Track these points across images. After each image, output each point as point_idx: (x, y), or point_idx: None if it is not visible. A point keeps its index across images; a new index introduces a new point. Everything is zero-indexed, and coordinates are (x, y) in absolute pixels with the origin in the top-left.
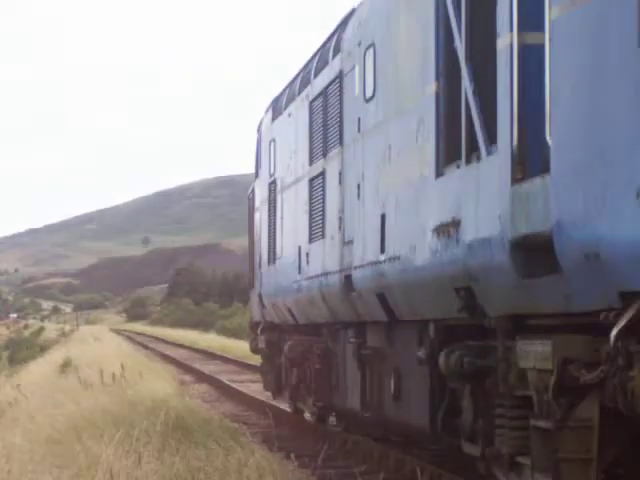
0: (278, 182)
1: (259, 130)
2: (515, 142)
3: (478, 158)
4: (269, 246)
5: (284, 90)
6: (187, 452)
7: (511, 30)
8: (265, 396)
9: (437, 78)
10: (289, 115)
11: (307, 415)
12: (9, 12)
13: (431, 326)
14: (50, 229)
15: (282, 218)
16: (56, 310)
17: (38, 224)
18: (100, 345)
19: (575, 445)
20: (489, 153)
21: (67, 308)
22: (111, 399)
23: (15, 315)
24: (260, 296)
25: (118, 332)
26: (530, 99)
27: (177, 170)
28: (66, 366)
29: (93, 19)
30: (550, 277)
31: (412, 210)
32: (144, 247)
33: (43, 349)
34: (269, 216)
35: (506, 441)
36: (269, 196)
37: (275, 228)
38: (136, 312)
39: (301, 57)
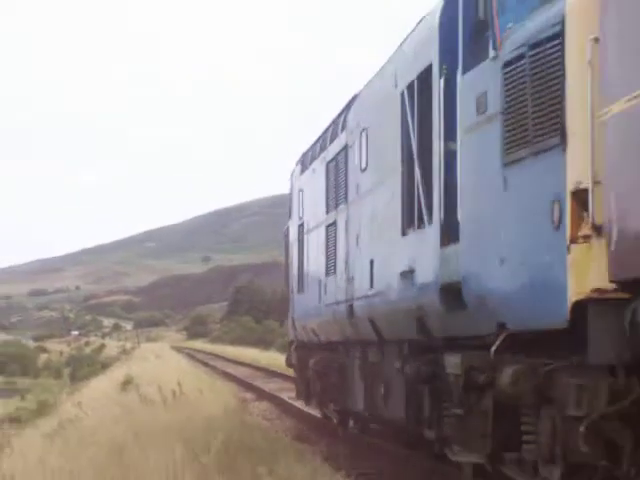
0: (305, 225)
1: (291, 179)
2: (442, 218)
3: (424, 226)
4: (299, 277)
5: (309, 149)
6: (249, 469)
7: (439, 139)
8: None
9: (402, 163)
10: (313, 171)
11: (334, 420)
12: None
13: (405, 344)
14: (111, 247)
15: (308, 255)
16: (117, 327)
17: (99, 242)
18: (161, 362)
19: (478, 426)
20: (429, 224)
21: (128, 325)
22: (172, 416)
23: (76, 332)
24: (293, 319)
25: (179, 350)
26: (450, 188)
27: (235, 188)
28: (127, 383)
29: (162, 32)
30: (461, 312)
31: (389, 258)
32: (204, 265)
33: (104, 366)
34: (299, 252)
35: (446, 426)
36: (298, 236)
37: (303, 263)
38: (196, 330)
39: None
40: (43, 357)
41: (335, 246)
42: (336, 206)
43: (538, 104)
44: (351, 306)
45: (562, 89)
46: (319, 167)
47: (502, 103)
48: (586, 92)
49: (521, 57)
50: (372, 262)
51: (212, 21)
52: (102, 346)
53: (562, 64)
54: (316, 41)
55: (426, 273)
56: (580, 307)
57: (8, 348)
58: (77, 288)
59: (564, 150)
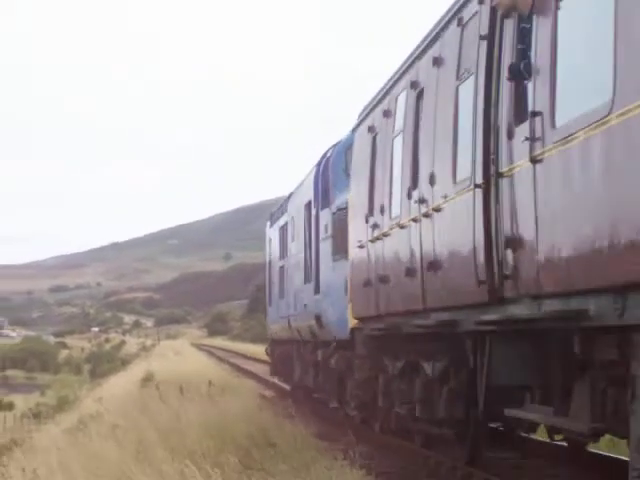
0: (272, 262)
1: (266, 229)
2: (314, 280)
3: (310, 282)
4: (269, 295)
5: (274, 212)
6: (270, 467)
7: (313, 240)
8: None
9: (304, 246)
10: (274, 229)
11: (288, 388)
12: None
13: (310, 343)
14: (132, 243)
15: (272, 281)
16: (137, 324)
17: (121, 238)
18: (181, 360)
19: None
20: (311, 281)
21: (148, 322)
22: (193, 413)
23: (97, 329)
24: (268, 323)
25: (199, 347)
26: (318, 266)
27: (258, 186)
28: (147, 380)
29: (182, 33)
30: (322, 328)
31: (300, 294)
32: (225, 262)
33: (124, 363)
34: (269, 278)
35: (328, 386)
36: (269, 268)
37: (271, 286)
38: (217, 327)
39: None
40: (63, 353)
41: (284, 279)
42: (283, 257)
43: (343, 235)
44: (289, 319)
45: (347, 232)
46: (276, 230)
47: (332, 230)
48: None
49: (339, 210)
50: (294, 295)
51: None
52: (122, 343)
53: (346, 220)
54: (341, 40)
55: (311, 308)
56: (353, 330)
57: (29, 344)
58: (98, 284)
59: (347, 259)
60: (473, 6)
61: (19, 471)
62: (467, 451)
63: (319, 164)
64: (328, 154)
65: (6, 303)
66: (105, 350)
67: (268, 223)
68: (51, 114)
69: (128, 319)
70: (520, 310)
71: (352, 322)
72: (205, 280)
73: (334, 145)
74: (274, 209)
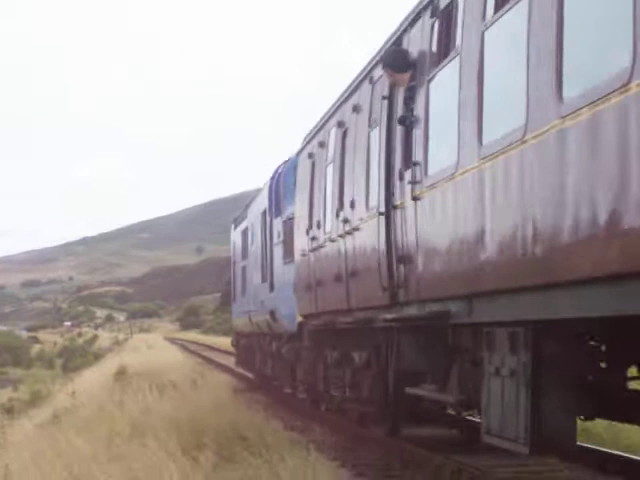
0: (235, 262)
1: (231, 232)
2: (270, 279)
3: (266, 281)
4: (234, 291)
5: (237, 217)
6: (243, 460)
7: (268, 242)
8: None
9: (261, 248)
10: (237, 232)
11: (251, 375)
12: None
13: (268, 335)
14: (104, 238)
15: (235, 280)
16: (110, 318)
17: (92, 232)
18: (154, 353)
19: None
20: (266, 281)
21: (121, 316)
22: (166, 406)
23: (69, 323)
24: (233, 317)
25: (172, 341)
26: (273, 267)
27: (230, 179)
28: (120, 374)
29: (163, 32)
30: (276, 322)
31: (258, 292)
32: (197, 256)
33: (97, 357)
34: (233, 276)
35: (281, 371)
36: (233, 266)
37: (235, 284)
38: (189, 321)
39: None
40: (36, 348)
41: (245, 278)
42: (244, 258)
43: (291, 241)
44: (250, 314)
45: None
46: (238, 233)
47: (283, 236)
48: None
49: (288, 219)
50: (254, 292)
51: (239, 27)
52: (95, 337)
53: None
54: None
55: (267, 304)
56: (300, 324)
57: (1, 339)
58: (70, 279)
59: (293, 262)
60: (379, 70)
61: None
62: (387, 426)
63: (272, 178)
64: (279, 170)
65: None
66: (78, 344)
67: (232, 226)
68: (26, 110)
69: (100, 313)
70: (411, 311)
71: (299, 318)
72: (177, 274)
73: (285, 162)
74: (237, 214)
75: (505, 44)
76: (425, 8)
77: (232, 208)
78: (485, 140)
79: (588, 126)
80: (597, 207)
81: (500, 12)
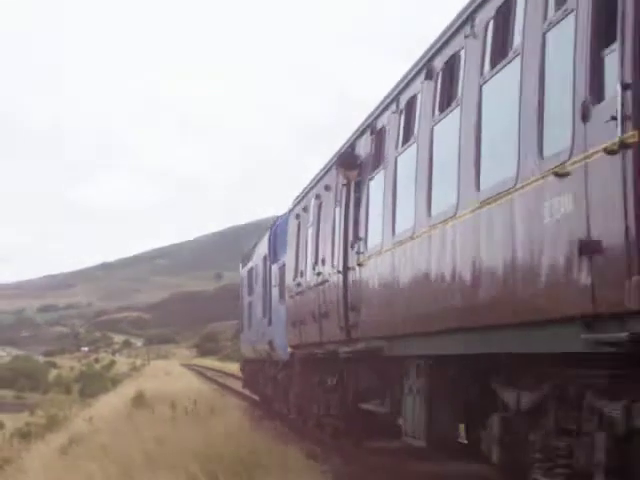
0: (245, 296)
1: (240, 269)
2: (268, 315)
3: (266, 316)
4: (242, 322)
5: (244, 256)
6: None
7: (268, 284)
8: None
9: (263, 288)
10: (245, 270)
11: (258, 398)
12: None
13: (270, 361)
14: (123, 263)
15: (244, 312)
16: (127, 344)
17: (111, 258)
18: (171, 380)
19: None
20: (266, 316)
21: (138, 342)
22: (184, 434)
23: (86, 348)
24: (241, 346)
25: (189, 367)
26: (271, 304)
27: (249, 206)
28: (138, 400)
29: (187, 51)
30: (274, 351)
31: (259, 327)
32: (216, 282)
33: (114, 383)
34: (242, 310)
35: (273, 389)
36: (242, 300)
37: (243, 316)
38: (207, 347)
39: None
40: (53, 373)
41: (251, 312)
42: (250, 294)
43: (283, 283)
44: (254, 343)
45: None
46: (245, 271)
47: (279, 280)
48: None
49: (283, 266)
50: (257, 324)
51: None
52: (112, 362)
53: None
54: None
55: (266, 335)
56: (291, 353)
57: (18, 363)
58: (88, 304)
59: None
60: (326, 181)
61: None
62: (353, 439)
63: (271, 228)
64: (277, 222)
65: None
66: (95, 370)
67: (240, 265)
68: (41, 125)
69: (118, 339)
70: (360, 346)
71: (289, 348)
72: (195, 300)
73: (281, 216)
74: (245, 253)
75: (406, 164)
76: (367, 127)
77: (250, 235)
78: (398, 230)
79: None
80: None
81: (405, 145)
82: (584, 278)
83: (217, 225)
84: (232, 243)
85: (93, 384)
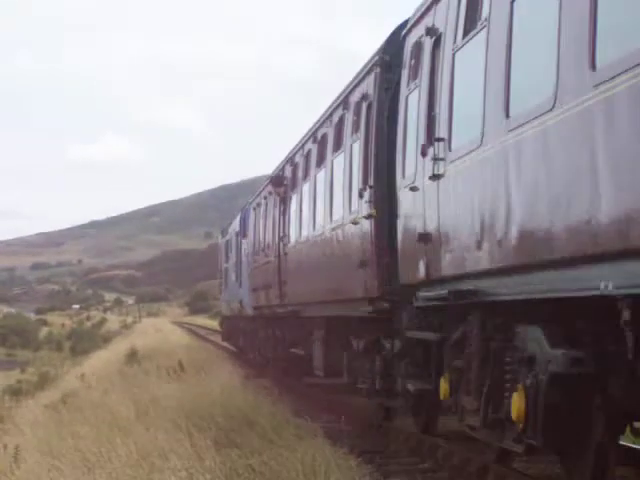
0: (221, 263)
1: (219, 238)
2: (240, 280)
3: (239, 281)
4: (220, 286)
5: (223, 230)
6: (252, 445)
7: (240, 236)
8: (326, 391)
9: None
10: (223, 241)
11: (235, 349)
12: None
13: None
14: (114, 221)
15: (222, 277)
16: (118, 302)
17: (103, 216)
18: (162, 337)
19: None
20: (238, 282)
21: (129, 300)
22: (175, 390)
23: (77, 306)
24: (221, 301)
25: (180, 325)
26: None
27: (240, 165)
28: (130, 357)
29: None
30: (243, 309)
31: (237, 288)
32: (207, 241)
33: (105, 340)
34: (220, 274)
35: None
36: (220, 267)
37: (221, 280)
38: (198, 305)
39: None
40: (44, 330)
41: (227, 276)
42: (227, 261)
43: (248, 255)
44: (230, 302)
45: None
46: (223, 242)
47: (247, 251)
48: None
49: (248, 242)
50: (231, 287)
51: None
52: (103, 320)
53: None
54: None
55: (238, 296)
56: (254, 309)
57: (9, 320)
58: (79, 262)
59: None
60: (268, 188)
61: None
62: (294, 376)
63: (242, 210)
64: (246, 206)
65: None
66: (86, 327)
67: (220, 236)
68: (37, 85)
69: (109, 297)
70: (287, 309)
71: (253, 308)
72: (187, 258)
73: (251, 202)
74: (224, 227)
75: (308, 190)
76: (287, 160)
77: (241, 193)
78: (304, 232)
79: None
80: None
81: (306, 178)
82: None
83: (208, 183)
84: (223, 202)
85: (84, 342)
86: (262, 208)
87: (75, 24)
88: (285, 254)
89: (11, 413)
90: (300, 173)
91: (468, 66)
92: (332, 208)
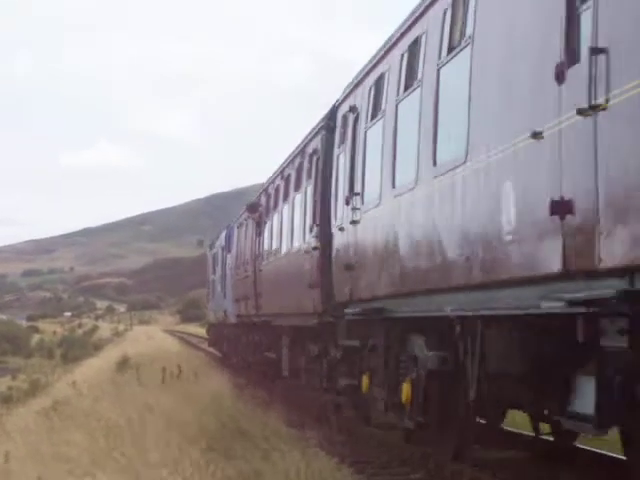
0: (209, 275)
1: (208, 250)
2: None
3: (224, 293)
4: (208, 296)
5: (211, 244)
6: (245, 455)
7: (225, 251)
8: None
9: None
10: (211, 254)
11: (220, 354)
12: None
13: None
14: (106, 229)
15: (209, 288)
16: (110, 310)
17: (94, 223)
18: (154, 345)
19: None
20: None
21: (121, 308)
22: (166, 398)
23: (69, 314)
24: (208, 310)
25: (172, 333)
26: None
27: (234, 173)
28: (121, 365)
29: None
30: (227, 317)
31: (223, 298)
32: (199, 249)
33: (97, 348)
34: (208, 285)
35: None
36: (208, 278)
37: (209, 290)
38: (190, 313)
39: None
40: (36, 337)
41: (214, 287)
42: (214, 273)
43: (231, 269)
44: (215, 311)
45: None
46: (211, 255)
47: (229, 266)
48: None
49: (232, 256)
50: (217, 297)
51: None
52: (95, 328)
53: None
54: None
55: (223, 306)
56: (237, 318)
57: (0, 327)
58: (71, 269)
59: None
60: (245, 214)
61: None
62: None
63: (227, 227)
64: (232, 224)
65: None
66: (78, 335)
67: (208, 249)
68: (31, 90)
69: (101, 304)
70: (263, 318)
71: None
72: (179, 266)
73: (235, 220)
74: (212, 241)
75: (278, 218)
76: (263, 190)
77: (233, 202)
78: (277, 253)
79: None
80: None
81: (276, 208)
82: None
83: (201, 192)
84: (215, 210)
85: (76, 349)
86: (243, 228)
87: (75, 24)
88: (260, 270)
89: (2, 420)
90: (272, 203)
91: (373, 143)
92: (292, 237)
